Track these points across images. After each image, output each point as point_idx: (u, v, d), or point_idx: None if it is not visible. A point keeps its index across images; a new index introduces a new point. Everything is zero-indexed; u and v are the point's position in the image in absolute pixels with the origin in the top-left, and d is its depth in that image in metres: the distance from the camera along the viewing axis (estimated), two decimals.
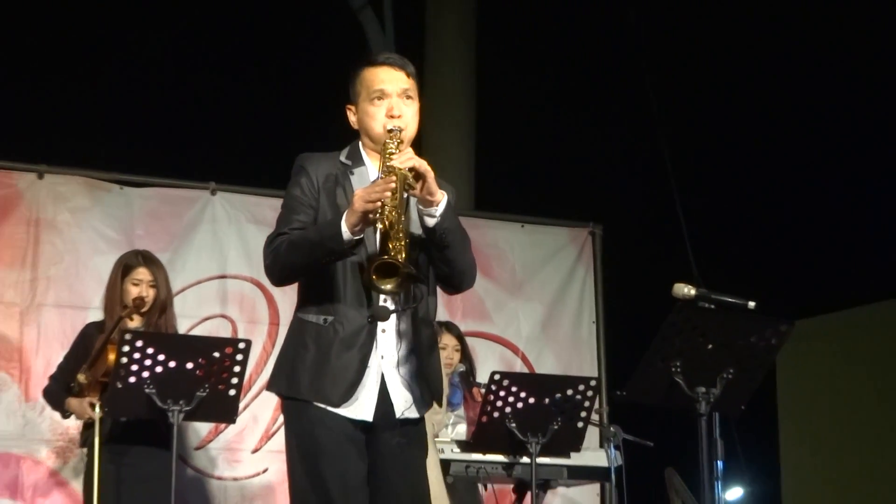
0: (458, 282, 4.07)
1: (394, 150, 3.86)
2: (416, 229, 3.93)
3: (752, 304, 4.59)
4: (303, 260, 3.89)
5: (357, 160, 4.06)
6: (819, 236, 11.80)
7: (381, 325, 3.93)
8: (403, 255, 3.73)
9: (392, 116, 3.97)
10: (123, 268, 5.91)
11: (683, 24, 11.57)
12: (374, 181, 3.83)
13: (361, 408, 3.92)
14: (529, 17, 11.74)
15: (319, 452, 3.89)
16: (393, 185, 3.72)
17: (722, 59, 11.89)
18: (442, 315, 7.63)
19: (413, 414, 4.01)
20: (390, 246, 3.72)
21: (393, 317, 3.93)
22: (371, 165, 4.04)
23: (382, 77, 4.00)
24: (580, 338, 8.33)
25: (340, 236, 3.77)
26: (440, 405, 4.18)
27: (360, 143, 4.10)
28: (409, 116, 4.00)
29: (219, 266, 7.40)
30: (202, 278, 7.35)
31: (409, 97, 4.02)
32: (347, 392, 3.89)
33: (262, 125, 11.34)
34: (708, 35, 11.64)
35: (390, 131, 3.92)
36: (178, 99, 11.16)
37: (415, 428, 4.05)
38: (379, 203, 3.71)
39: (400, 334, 3.98)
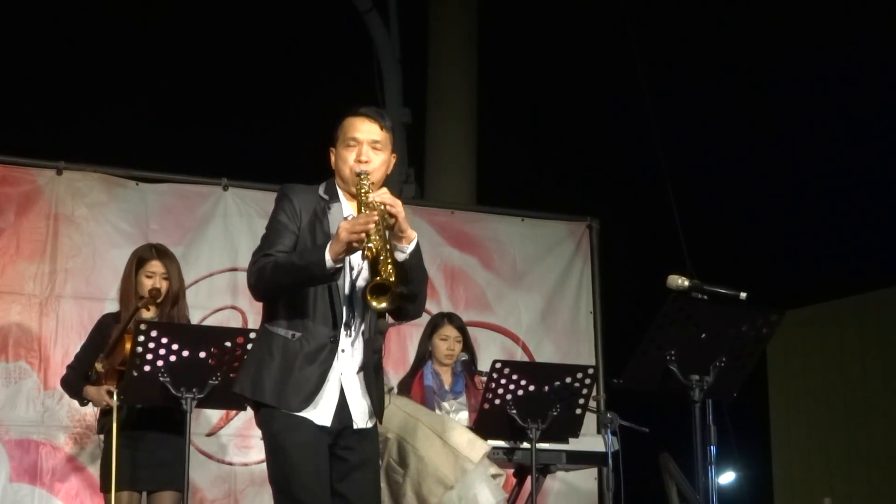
0: (406, 314, 4.41)
1: (368, 189, 4.23)
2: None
3: (743, 294, 4.67)
4: (286, 281, 4.24)
5: (333, 196, 4.42)
6: (807, 229, 11.86)
7: (340, 345, 4.32)
8: (394, 278, 4.07)
9: (360, 161, 4.33)
10: (137, 260, 5.97)
11: (678, 22, 11.61)
12: (357, 215, 4.17)
13: (321, 414, 4.29)
14: (530, 19, 11.75)
15: (293, 448, 4.24)
16: (376, 218, 4.09)
17: (715, 55, 11.88)
18: (445, 306, 7.77)
19: (366, 424, 4.40)
20: (381, 269, 4.06)
21: (350, 340, 4.33)
22: (344, 202, 4.41)
23: (358, 126, 4.38)
24: (578, 327, 8.39)
25: (324, 263, 4.12)
26: (381, 422, 4.53)
27: (335, 181, 4.45)
28: (376, 163, 4.36)
29: (230, 259, 7.46)
30: (214, 271, 7.43)
31: (377, 147, 4.38)
32: (305, 401, 4.25)
33: (271, 124, 11.34)
34: (702, 32, 11.68)
35: (358, 174, 4.28)
36: (191, 99, 11.10)
37: (369, 440, 4.43)
38: (363, 235, 4.07)
39: (355, 356, 4.36)
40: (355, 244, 4.09)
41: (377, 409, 4.43)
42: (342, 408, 4.32)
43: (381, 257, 4.07)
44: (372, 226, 4.07)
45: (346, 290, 4.33)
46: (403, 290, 4.10)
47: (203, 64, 11.34)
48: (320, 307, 4.29)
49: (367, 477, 4.42)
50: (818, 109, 11.63)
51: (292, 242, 4.30)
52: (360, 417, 4.37)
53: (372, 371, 4.41)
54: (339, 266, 4.15)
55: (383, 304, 4.09)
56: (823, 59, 11.39)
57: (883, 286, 10.69)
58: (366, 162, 4.33)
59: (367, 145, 4.35)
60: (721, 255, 11.08)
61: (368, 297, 4.08)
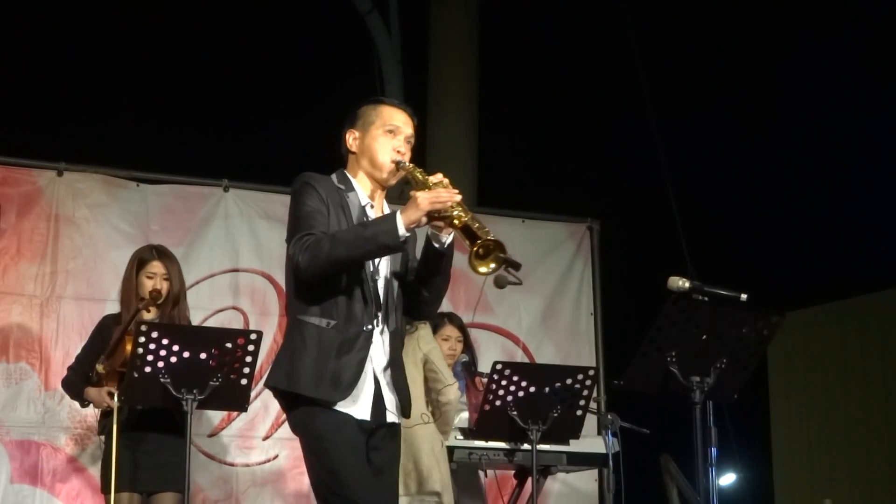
0: (427, 309, 4.45)
1: (419, 170, 4.27)
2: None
3: (744, 296, 4.67)
4: (349, 255, 4.12)
5: (348, 185, 4.37)
6: (808, 230, 11.87)
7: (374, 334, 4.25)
8: (494, 238, 4.05)
9: (398, 152, 4.35)
10: (138, 262, 5.97)
11: (678, 23, 11.62)
12: (437, 189, 4.13)
13: (360, 408, 4.21)
14: (530, 20, 11.80)
15: (340, 448, 4.13)
16: (458, 193, 4.10)
17: (716, 55, 11.93)
18: (445, 307, 7.70)
19: (396, 419, 4.34)
20: (479, 234, 4.03)
21: (380, 330, 4.27)
22: (360, 190, 4.38)
23: (399, 118, 4.40)
24: (579, 329, 8.37)
25: (396, 232, 4.06)
26: (408, 416, 4.45)
27: (345, 169, 4.42)
28: (406, 158, 4.39)
29: (231, 260, 7.46)
30: (215, 272, 7.41)
31: (410, 143, 4.42)
32: (345, 391, 4.15)
33: (272, 125, 11.33)
34: (703, 32, 11.71)
35: (397, 163, 4.32)
36: (192, 100, 11.16)
37: (395, 437, 4.37)
38: (448, 203, 4.06)
39: (385, 347, 4.30)
40: (435, 213, 4.08)
41: (404, 406, 4.37)
42: (377, 401, 4.25)
43: (476, 226, 4.05)
44: (458, 198, 4.07)
45: (372, 280, 4.28)
46: (507, 254, 4.06)
47: (204, 65, 11.37)
48: (354, 295, 4.21)
49: (391, 479, 4.37)
50: (820, 110, 11.64)
51: (326, 225, 4.22)
52: (391, 410, 4.31)
53: (400, 362, 4.37)
54: (409, 235, 4.12)
55: (491, 266, 4.07)
56: (825, 60, 11.41)
57: (883, 288, 10.71)
58: (403, 154, 4.36)
59: (405, 139, 4.39)
60: (722, 257, 11.10)
61: (474, 262, 4.05)
